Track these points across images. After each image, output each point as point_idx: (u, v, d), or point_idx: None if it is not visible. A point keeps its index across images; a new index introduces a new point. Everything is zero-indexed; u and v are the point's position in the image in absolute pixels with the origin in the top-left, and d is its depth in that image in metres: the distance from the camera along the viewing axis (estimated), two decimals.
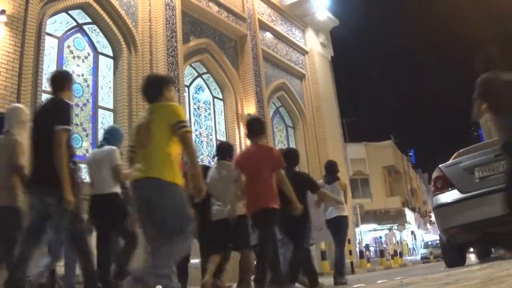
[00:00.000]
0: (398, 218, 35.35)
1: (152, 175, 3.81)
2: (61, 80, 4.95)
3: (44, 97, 10.72)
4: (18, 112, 5.41)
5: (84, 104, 11.93)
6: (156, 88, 4.18)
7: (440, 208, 7.27)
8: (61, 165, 4.45)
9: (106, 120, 12.28)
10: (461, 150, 7.83)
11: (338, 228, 8.28)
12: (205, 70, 16.31)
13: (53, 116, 4.59)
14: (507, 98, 5.22)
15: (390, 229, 36.93)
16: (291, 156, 6.71)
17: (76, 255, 4.71)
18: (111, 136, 6.27)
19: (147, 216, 3.90)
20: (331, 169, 8.67)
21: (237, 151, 14.97)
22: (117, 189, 5.84)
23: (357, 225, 22.57)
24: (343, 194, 8.42)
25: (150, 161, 3.88)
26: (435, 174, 7.50)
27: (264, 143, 5.98)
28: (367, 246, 29.93)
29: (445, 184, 7.17)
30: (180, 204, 3.86)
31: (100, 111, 12.26)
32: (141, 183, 3.86)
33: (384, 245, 26.75)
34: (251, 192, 5.50)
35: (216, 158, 6.67)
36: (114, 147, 5.99)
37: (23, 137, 5.15)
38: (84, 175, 7.38)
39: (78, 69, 12.05)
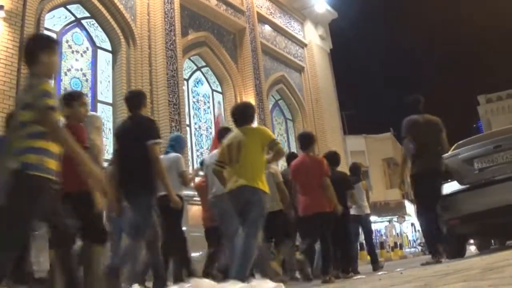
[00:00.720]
0: (398, 210, 35.32)
1: (250, 184, 4.81)
2: (138, 99, 5.37)
3: None
4: (94, 119, 5.75)
5: None
6: (250, 116, 5.26)
7: (440, 199, 7.27)
8: (163, 173, 5.05)
9: (105, 114, 12.29)
10: (460, 142, 7.83)
11: (365, 224, 9.55)
12: (204, 64, 16.29)
13: (142, 132, 5.04)
14: (425, 135, 6.80)
15: (390, 221, 36.91)
16: (333, 158, 7.71)
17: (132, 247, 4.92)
18: (177, 143, 6.86)
19: (243, 214, 4.85)
20: (355, 171, 9.37)
21: None
22: (182, 192, 6.46)
23: None
24: (365, 194, 9.33)
25: (246, 173, 4.87)
26: None
27: (314, 153, 6.87)
28: None
29: (444, 176, 7.19)
30: (265, 207, 4.91)
31: (99, 105, 12.27)
32: (243, 189, 4.82)
33: (384, 237, 26.79)
34: (305, 196, 6.47)
35: None
36: (179, 155, 6.62)
37: (99, 141, 5.56)
38: None
39: (77, 64, 12.04)
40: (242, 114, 5.24)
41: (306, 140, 6.76)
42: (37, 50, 3.66)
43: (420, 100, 7.15)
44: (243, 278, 4.35)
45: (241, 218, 4.89)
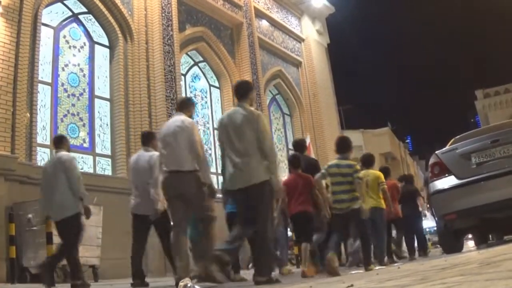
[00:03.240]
0: None
1: (379, 206, 8.18)
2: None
3: (41, 87, 10.70)
4: None
5: (81, 94, 11.91)
6: (373, 161, 8.79)
7: (437, 194, 7.31)
8: None
9: (102, 109, 12.27)
10: (458, 137, 7.86)
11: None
12: (201, 59, 16.28)
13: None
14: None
15: None
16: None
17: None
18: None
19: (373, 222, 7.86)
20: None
21: None
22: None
23: None
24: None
25: (373, 197, 8.14)
26: (432, 160, 7.54)
27: (392, 179, 10.04)
28: None
29: (442, 170, 7.21)
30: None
31: (96, 100, 12.24)
32: (374, 208, 7.86)
33: None
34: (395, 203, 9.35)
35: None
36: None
37: None
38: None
39: (74, 59, 12.01)
40: (369, 160, 8.66)
41: (387, 172, 9.39)
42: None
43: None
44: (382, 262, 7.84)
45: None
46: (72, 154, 7.55)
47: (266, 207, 5.26)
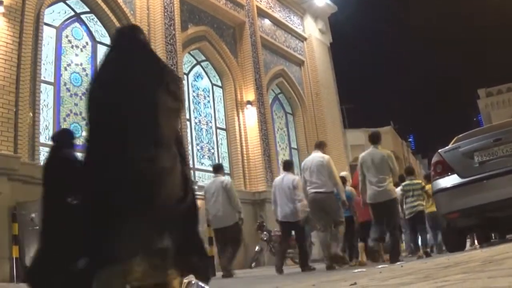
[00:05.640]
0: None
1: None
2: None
3: (43, 87, 10.72)
4: None
5: (83, 93, 11.91)
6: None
7: (440, 193, 7.30)
8: None
9: None
10: (461, 135, 7.84)
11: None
12: (203, 58, 16.27)
13: None
14: None
15: None
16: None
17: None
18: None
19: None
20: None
21: (237, 138, 15.05)
22: None
23: None
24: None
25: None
26: (434, 159, 7.52)
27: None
28: None
29: (444, 169, 7.20)
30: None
31: None
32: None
33: None
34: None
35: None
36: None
37: None
38: None
39: (77, 59, 12.02)
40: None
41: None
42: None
43: None
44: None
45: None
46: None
47: (396, 214, 8.20)
